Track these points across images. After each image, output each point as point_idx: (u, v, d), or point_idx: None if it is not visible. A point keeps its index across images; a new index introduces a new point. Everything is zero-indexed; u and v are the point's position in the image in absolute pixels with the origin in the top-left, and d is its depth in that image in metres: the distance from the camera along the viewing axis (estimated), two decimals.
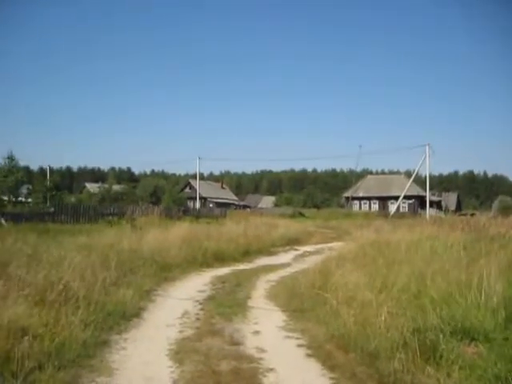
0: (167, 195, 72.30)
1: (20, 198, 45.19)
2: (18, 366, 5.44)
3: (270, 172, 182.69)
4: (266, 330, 8.31)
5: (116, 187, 69.80)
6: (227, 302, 10.35)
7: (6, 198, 41.70)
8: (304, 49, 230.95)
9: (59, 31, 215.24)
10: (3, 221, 26.44)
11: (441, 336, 6.07)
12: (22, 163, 46.80)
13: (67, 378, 5.59)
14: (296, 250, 24.08)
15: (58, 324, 6.81)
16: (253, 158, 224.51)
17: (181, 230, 19.32)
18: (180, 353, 6.89)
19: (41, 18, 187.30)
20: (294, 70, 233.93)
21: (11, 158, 44.29)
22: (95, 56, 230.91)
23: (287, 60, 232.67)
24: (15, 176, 43.29)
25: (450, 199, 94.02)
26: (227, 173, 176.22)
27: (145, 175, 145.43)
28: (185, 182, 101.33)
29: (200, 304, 10.23)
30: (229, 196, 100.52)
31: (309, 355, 7.02)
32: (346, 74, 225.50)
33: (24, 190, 47.96)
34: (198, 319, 8.92)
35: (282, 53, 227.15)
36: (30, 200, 44.43)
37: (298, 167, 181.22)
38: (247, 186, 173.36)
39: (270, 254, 21.81)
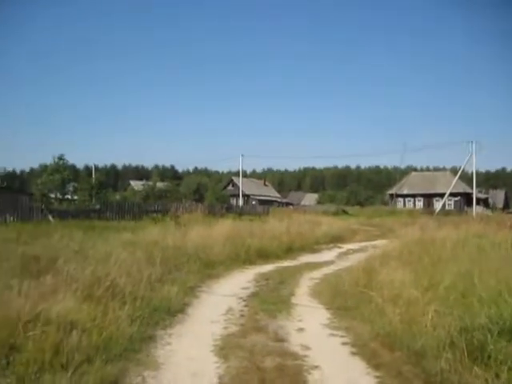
0: (210, 193, 72.94)
1: (67, 196, 46.23)
2: (68, 358, 5.59)
3: (313, 169, 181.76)
4: (310, 328, 8.28)
5: (160, 185, 70.59)
6: (271, 299, 10.36)
7: (53, 195, 42.72)
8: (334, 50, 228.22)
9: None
10: (50, 217, 27.11)
11: (489, 336, 5.93)
12: (68, 162, 47.79)
13: (115, 372, 5.68)
14: (339, 247, 23.90)
15: (106, 319, 6.94)
16: (295, 156, 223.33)
17: (224, 228, 19.41)
18: (225, 349, 6.93)
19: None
20: (332, 70, 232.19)
21: (61, 158, 45.43)
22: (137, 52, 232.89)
23: (325, 61, 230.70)
24: (62, 174, 44.33)
25: (498, 196, 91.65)
26: (270, 170, 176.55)
27: (188, 173, 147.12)
28: (228, 179, 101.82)
29: (244, 301, 10.27)
30: (271, 193, 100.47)
31: (353, 353, 6.96)
32: (390, 71, 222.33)
33: (70, 187, 49.06)
34: (242, 316, 8.96)
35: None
36: (76, 197, 45.41)
37: (341, 164, 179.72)
38: (290, 183, 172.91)
39: (313, 251, 21.68)
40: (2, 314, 6.23)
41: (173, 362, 6.39)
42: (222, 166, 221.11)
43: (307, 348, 7.11)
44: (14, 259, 10.42)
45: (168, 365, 6.26)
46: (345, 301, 9.96)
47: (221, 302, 10.15)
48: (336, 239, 26.56)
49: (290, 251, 19.74)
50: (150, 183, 68.48)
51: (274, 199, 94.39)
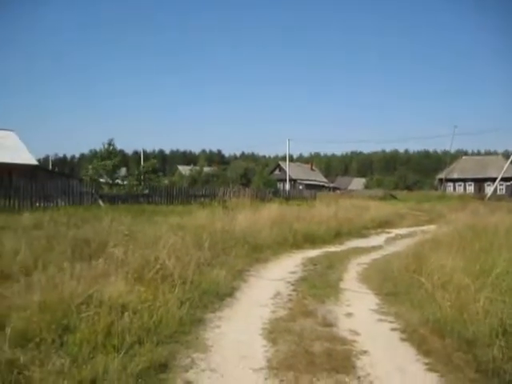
0: (257, 177, 73.11)
1: (117, 181, 47.09)
2: (119, 340, 5.70)
3: (361, 153, 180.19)
4: (358, 313, 8.22)
5: (207, 169, 71.32)
6: (319, 284, 10.31)
7: (103, 180, 43.60)
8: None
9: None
10: (101, 202, 27.65)
11: None
12: (117, 147, 48.60)
13: (165, 353, 5.76)
14: (388, 232, 23.61)
15: (156, 301, 7.03)
16: (342, 140, 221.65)
17: (271, 212, 19.41)
18: (273, 332, 6.94)
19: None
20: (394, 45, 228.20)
21: (110, 144, 46.29)
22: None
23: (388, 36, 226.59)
24: (113, 160, 45.19)
25: None
26: (317, 154, 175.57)
27: (235, 157, 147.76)
28: (275, 164, 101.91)
29: (292, 285, 10.25)
30: (318, 178, 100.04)
31: (403, 339, 6.87)
32: (439, 55, 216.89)
33: (121, 172, 49.98)
34: (290, 300, 8.95)
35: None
36: (125, 182, 46.21)
37: (388, 148, 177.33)
38: (337, 167, 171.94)
39: (361, 236, 21.51)
40: (55, 296, 6.41)
41: (222, 344, 6.44)
42: (268, 151, 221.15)
43: (356, 333, 7.05)
44: (65, 243, 10.69)
45: (217, 347, 6.31)
46: (394, 286, 9.85)
47: (269, 285, 10.18)
48: (384, 224, 26.26)
49: (337, 236, 19.62)
50: (197, 168, 69.22)
51: (321, 184, 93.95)
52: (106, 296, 6.70)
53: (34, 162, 45.48)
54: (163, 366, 5.47)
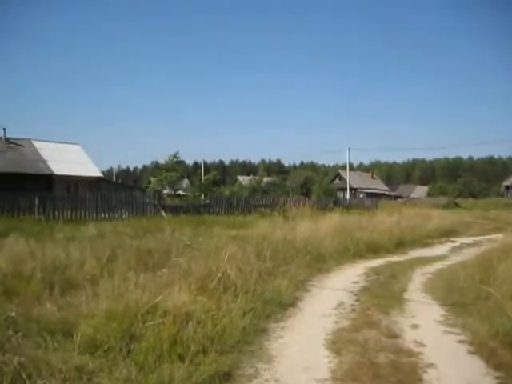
0: (317, 186, 72.79)
1: (179, 192, 47.95)
2: (184, 348, 5.76)
3: (423, 161, 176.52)
4: (424, 324, 8.01)
5: (266, 179, 71.50)
6: (382, 294, 10.13)
7: (165, 191, 44.49)
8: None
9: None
10: (163, 213, 28.14)
11: None
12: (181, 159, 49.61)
13: (229, 363, 5.78)
14: (452, 241, 23.00)
15: (219, 311, 7.08)
16: (404, 147, 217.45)
17: (332, 221, 19.29)
18: (337, 343, 6.86)
19: None
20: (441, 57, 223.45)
21: (175, 156, 47.29)
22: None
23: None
24: (177, 171, 46.13)
25: None
26: (377, 162, 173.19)
27: (294, 167, 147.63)
28: (334, 172, 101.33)
29: (355, 295, 10.12)
30: (379, 186, 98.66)
31: (471, 352, 6.63)
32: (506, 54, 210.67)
33: (184, 184, 50.92)
34: (353, 310, 8.83)
35: None
36: (188, 193, 47.01)
37: (451, 155, 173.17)
38: (398, 175, 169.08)
39: (425, 245, 21.03)
40: (122, 305, 6.54)
41: (285, 354, 6.40)
42: (328, 160, 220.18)
43: (422, 345, 6.88)
44: (129, 253, 10.93)
45: (281, 357, 6.28)
46: (460, 297, 9.55)
47: (331, 295, 10.08)
48: (448, 233, 25.59)
49: (400, 245, 19.26)
50: (257, 178, 69.53)
51: (382, 192, 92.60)
52: (170, 305, 6.79)
53: (99, 174, 46.85)
54: (227, 376, 5.49)
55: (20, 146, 42.74)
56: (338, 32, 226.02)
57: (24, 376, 4.60)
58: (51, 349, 5.47)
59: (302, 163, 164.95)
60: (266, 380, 5.54)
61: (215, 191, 45.71)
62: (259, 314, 7.80)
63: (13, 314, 6.37)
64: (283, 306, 8.76)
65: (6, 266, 9.31)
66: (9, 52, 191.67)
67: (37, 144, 43.97)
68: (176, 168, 47.03)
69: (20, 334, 5.74)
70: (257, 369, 5.85)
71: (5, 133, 42.54)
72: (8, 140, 42.36)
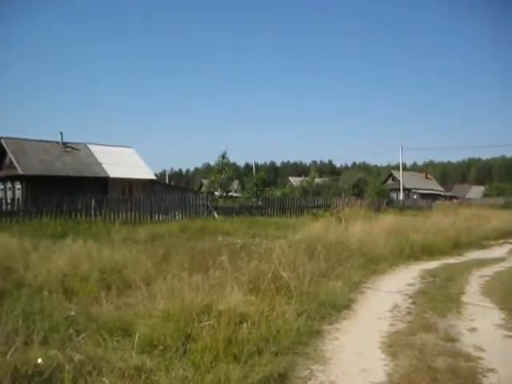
0: (370, 187, 71.88)
1: (230, 193, 48.30)
2: (239, 349, 5.79)
3: (479, 160, 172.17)
4: (482, 328, 7.78)
5: (318, 180, 71.16)
6: (439, 297, 9.90)
7: (217, 193, 44.88)
8: None
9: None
10: (216, 214, 28.38)
11: None
12: (230, 160, 49.98)
13: (284, 364, 5.76)
14: (511, 243, 22.36)
15: (273, 312, 7.09)
16: (458, 146, 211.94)
17: (386, 222, 19.04)
18: (393, 346, 6.75)
19: None
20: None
21: (223, 156, 47.67)
22: None
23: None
24: (227, 173, 46.49)
25: None
26: (431, 162, 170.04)
27: (346, 167, 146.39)
28: (387, 173, 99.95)
29: (410, 298, 9.94)
30: (434, 186, 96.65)
31: None
32: None
33: (234, 185, 51.25)
34: (409, 313, 8.67)
35: None
36: (239, 195, 47.28)
37: (509, 154, 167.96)
38: (453, 175, 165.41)
39: (482, 247, 20.51)
40: (177, 306, 6.63)
41: (340, 357, 6.35)
42: (380, 160, 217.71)
43: (481, 349, 6.68)
44: (183, 254, 11.06)
45: (336, 360, 6.23)
46: None
47: (386, 298, 9.94)
48: (506, 234, 24.82)
49: (456, 247, 18.83)
50: (308, 179, 69.26)
51: (436, 193, 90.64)
52: (224, 306, 6.83)
53: (152, 177, 47.63)
54: (282, 377, 5.47)
55: (76, 149, 43.94)
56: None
57: (85, 373, 4.71)
58: (110, 347, 5.58)
59: (354, 164, 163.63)
60: (321, 382, 5.51)
61: (266, 192, 45.79)
62: (313, 316, 7.76)
63: (72, 312, 6.57)
64: (337, 307, 8.67)
65: (65, 267, 9.57)
66: (65, 61, 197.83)
67: (92, 148, 45.10)
68: (226, 169, 47.40)
69: (80, 332, 5.92)
70: (312, 371, 5.82)
71: (62, 137, 43.84)
72: (65, 144, 43.62)
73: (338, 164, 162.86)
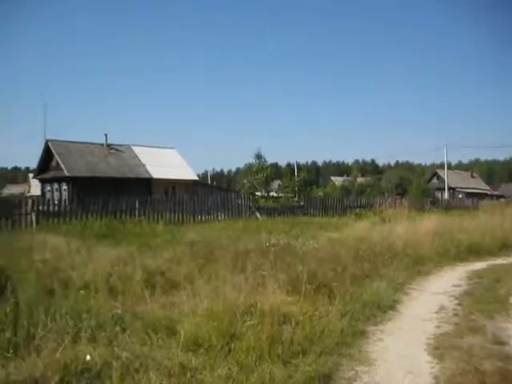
0: (414, 186, 70.78)
1: (271, 193, 48.34)
2: (283, 349, 5.79)
3: None
4: None
5: (360, 180, 70.58)
6: (487, 299, 9.66)
7: (258, 193, 44.96)
8: None
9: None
10: (258, 214, 28.42)
11: None
12: (270, 160, 50.08)
13: (329, 364, 5.75)
14: None
15: (316, 312, 7.08)
16: (505, 144, 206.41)
17: (431, 222, 18.70)
18: (439, 348, 6.63)
19: None
20: None
21: (259, 157, 47.81)
22: None
23: None
24: (265, 172, 46.55)
25: None
26: (477, 160, 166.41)
27: (389, 167, 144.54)
28: (431, 172, 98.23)
29: (456, 299, 9.74)
30: (479, 185, 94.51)
31: None
32: None
33: (275, 185, 51.26)
34: (455, 315, 8.50)
35: None
36: (281, 195, 47.27)
37: None
38: (500, 174, 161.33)
39: None
40: (221, 305, 6.68)
41: (385, 358, 6.28)
42: (424, 159, 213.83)
43: None
44: (226, 254, 11.12)
45: (380, 361, 6.17)
46: None
47: (432, 299, 9.76)
48: None
49: (504, 247, 18.31)
50: (350, 178, 68.76)
51: (483, 192, 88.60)
52: (268, 306, 6.85)
53: (195, 177, 48.01)
54: (327, 378, 5.45)
55: (120, 151, 44.60)
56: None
57: (132, 371, 4.79)
58: (155, 345, 5.66)
59: (397, 162, 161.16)
60: (366, 383, 5.46)
61: (308, 192, 45.67)
62: (357, 317, 7.70)
63: (118, 311, 6.68)
64: (382, 308, 8.57)
65: (110, 267, 9.74)
66: (110, 65, 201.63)
67: (136, 149, 45.71)
68: (264, 169, 47.50)
69: (126, 330, 6.02)
70: (356, 372, 5.78)
71: (106, 139, 44.55)
72: (109, 146, 44.32)
73: (380, 163, 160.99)
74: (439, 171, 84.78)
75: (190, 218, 26.66)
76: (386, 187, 66.38)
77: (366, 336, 7.16)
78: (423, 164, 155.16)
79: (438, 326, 7.78)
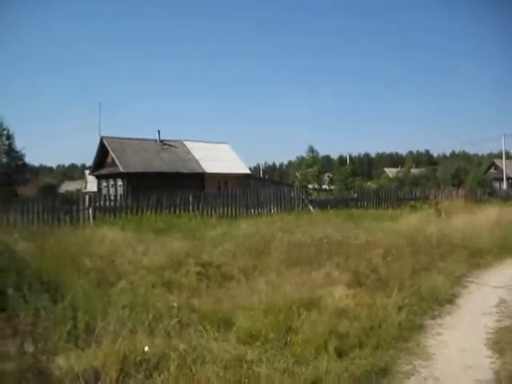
0: (470, 177, 69.16)
1: (323, 186, 48.21)
2: (340, 342, 5.77)
3: None
4: None
5: (414, 171, 69.41)
6: None
7: (310, 186, 44.91)
8: None
9: None
10: (311, 207, 28.28)
11: None
12: (322, 153, 50.18)
13: (385, 358, 5.69)
14: None
15: (373, 306, 7.01)
16: None
17: (489, 214, 18.19)
18: (500, 343, 6.45)
19: None
20: None
21: (312, 150, 47.77)
22: None
23: None
24: (317, 166, 46.50)
25: None
26: None
27: (444, 157, 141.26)
28: (489, 162, 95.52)
29: None
30: None
31: None
32: None
33: (327, 177, 51.12)
34: None
35: None
36: (332, 187, 47.11)
37: None
38: None
39: None
40: (277, 298, 6.71)
41: (444, 353, 6.15)
42: (481, 149, 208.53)
43: None
44: (280, 247, 11.11)
45: (439, 355, 6.05)
46: None
47: (491, 293, 9.50)
48: None
49: None
50: (404, 170, 67.72)
51: None
52: (325, 299, 6.84)
53: (247, 171, 48.25)
54: (384, 371, 5.40)
55: (173, 146, 45.26)
56: None
57: (189, 362, 4.85)
58: (212, 338, 5.71)
59: (452, 153, 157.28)
60: (425, 378, 5.38)
61: (360, 184, 45.29)
62: (415, 310, 7.57)
63: (174, 304, 6.77)
64: (440, 302, 8.39)
65: (165, 260, 9.89)
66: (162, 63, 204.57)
67: (189, 144, 46.31)
68: (316, 162, 47.48)
69: (182, 323, 6.11)
70: (414, 366, 5.69)
71: (159, 135, 45.28)
72: (162, 142, 45.02)
73: (435, 154, 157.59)
74: (497, 161, 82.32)
75: (242, 212, 26.74)
76: (442, 178, 65.09)
77: (423, 330, 7.04)
78: (480, 154, 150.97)
79: (498, 320, 7.58)
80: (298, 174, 50.68)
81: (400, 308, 7.27)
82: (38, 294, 6.70)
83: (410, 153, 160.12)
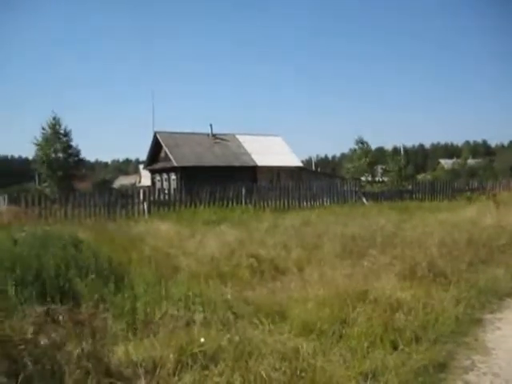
0: None
1: (376, 178, 47.71)
2: (396, 336, 5.68)
3: None
4: None
5: (471, 162, 67.83)
6: None
7: (363, 178, 44.52)
8: None
9: None
10: (364, 200, 28.08)
11: None
12: (376, 144, 49.76)
13: (443, 353, 5.57)
14: None
15: (430, 299, 6.89)
16: None
17: None
18: None
19: None
20: None
21: (361, 142, 47.40)
22: None
23: None
24: (368, 157, 46.12)
25: None
26: None
27: (502, 147, 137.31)
28: None
29: None
30: None
31: None
32: None
33: (379, 169, 50.59)
34: None
35: None
36: (385, 179, 46.56)
37: None
38: None
39: None
40: (332, 291, 6.69)
41: (504, 348, 5.98)
42: None
43: None
44: (334, 240, 11.07)
45: (499, 351, 5.88)
46: None
47: None
48: None
49: None
50: (460, 161, 66.31)
51: None
52: (379, 292, 6.77)
53: (299, 164, 48.18)
54: (442, 366, 5.30)
55: (225, 140, 45.63)
56: None
57: (245, 354, 4.89)
58: (267, 330, 5.74)
59: (511, 143, 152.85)
60: (484, 373, 5.25)
61: (414, 176, 44.64)
62: (473, 304, 7.38)
63: (229, 296, 6.84)
64: (499, 296, 8.14)
65: (219, 253, 9.98)
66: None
67: (240, 138, 46.57)
68: (367, 153, 47.12)
69: (237, 315, 6.17)
70: (473, 361, 5.56)
71: (211, 129, 45.73)
72: (215, 136, 45.45)
73: (493, 143, 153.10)
74: None
75: (295, 205, 26.80)
76: (500, 169, 63.32)
77: (482, 324, 6.87)
78: None
79: None
80: (349, 166, 50.30)
81: (458, 301, 7.10)
82: (104, 282, 6.96)
83: (467, 143, 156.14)
